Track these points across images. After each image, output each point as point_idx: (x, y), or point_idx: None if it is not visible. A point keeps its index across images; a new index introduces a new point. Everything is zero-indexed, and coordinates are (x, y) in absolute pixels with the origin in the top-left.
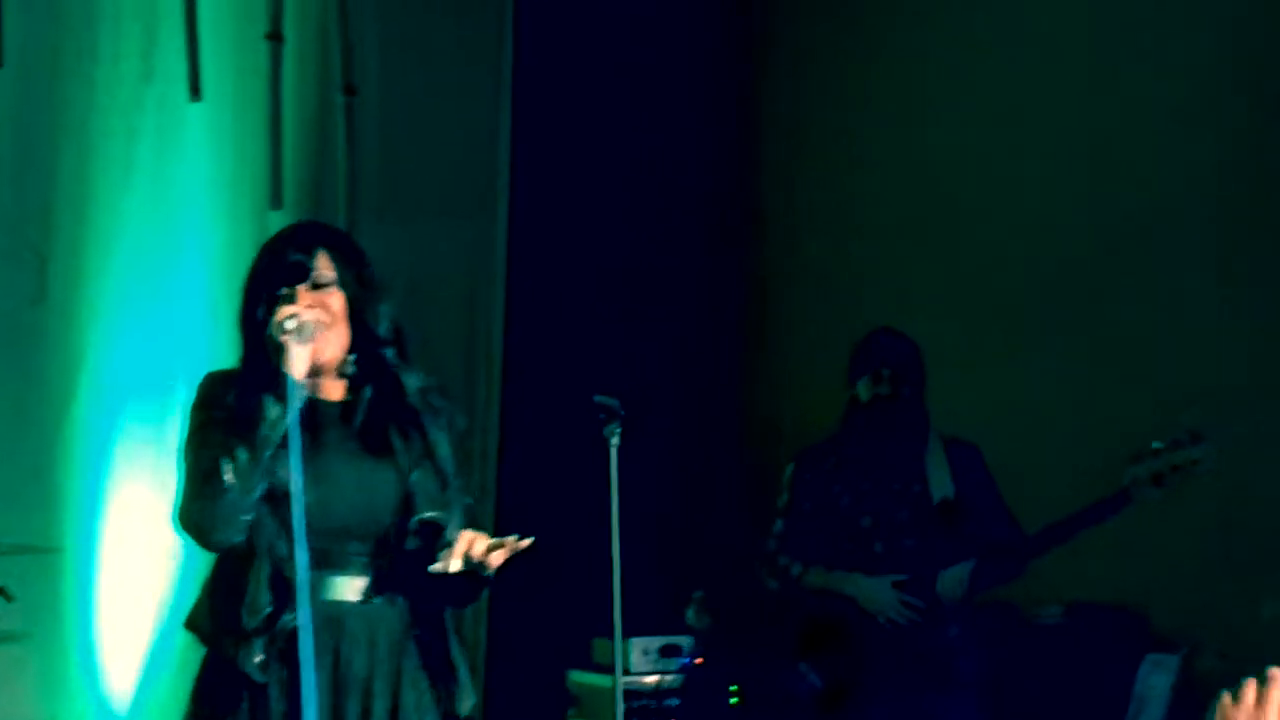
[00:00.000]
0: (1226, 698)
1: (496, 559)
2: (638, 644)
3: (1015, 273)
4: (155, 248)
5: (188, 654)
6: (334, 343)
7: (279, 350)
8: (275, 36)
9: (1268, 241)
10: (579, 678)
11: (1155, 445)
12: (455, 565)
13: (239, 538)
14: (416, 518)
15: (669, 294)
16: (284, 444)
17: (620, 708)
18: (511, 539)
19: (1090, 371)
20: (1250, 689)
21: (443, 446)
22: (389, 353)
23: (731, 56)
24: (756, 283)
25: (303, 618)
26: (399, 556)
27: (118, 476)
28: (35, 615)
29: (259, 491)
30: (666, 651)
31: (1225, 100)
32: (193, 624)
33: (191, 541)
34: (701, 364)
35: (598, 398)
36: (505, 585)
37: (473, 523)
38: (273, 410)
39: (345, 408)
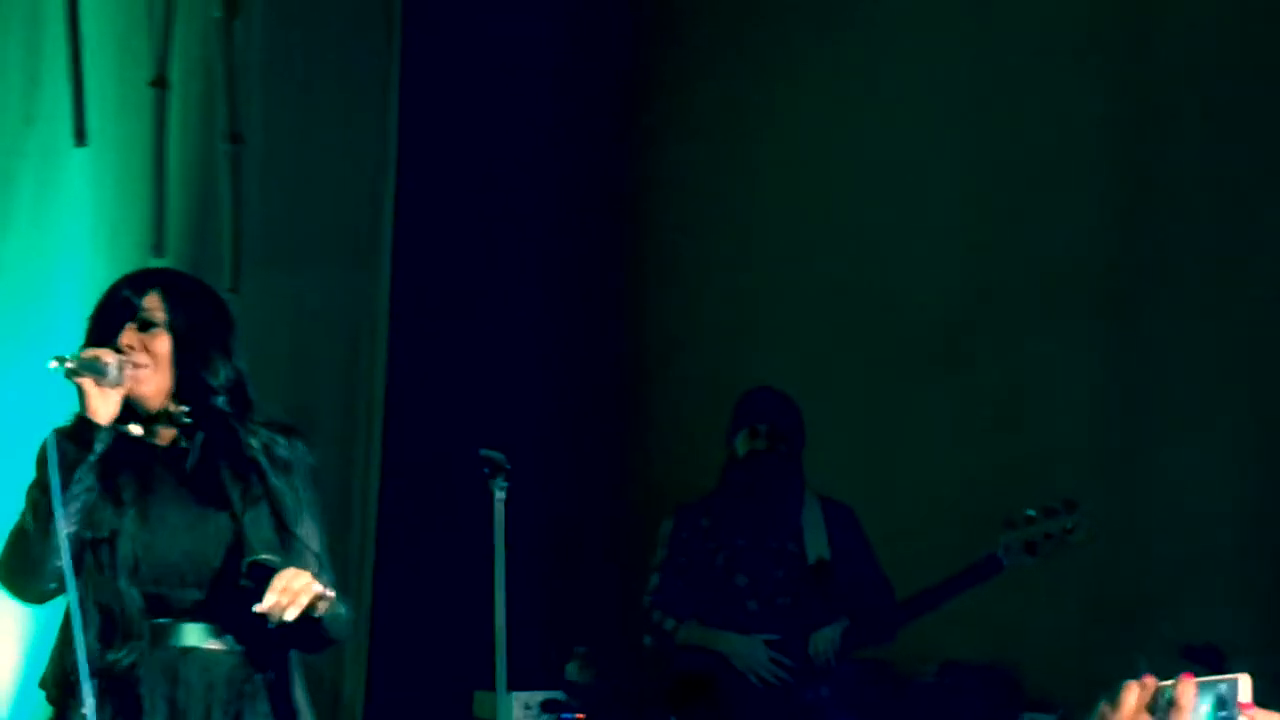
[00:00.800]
0: (1105, 706)
1: (292, 608)
2: (519, 698)
3: (889, 333)
4: (34, 292)
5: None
6: (153, 384)
7: (78, 391)
8: (160, 83)
9: (1142, 305)
10: None
11: (1029, 512)
12: (269, 603)
13: (51, 585)
14: (248, 559)
15: (551, 346)
16: (111, 490)
17: None
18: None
19: (961, 430)
20: (1129, 692)
21: (286, 496)
22: (219, 400)
23: (619, 109)
24: (639, 338)
25: (83, 673)
26: (234, 600)
27: None
28: None
29: (60, 536)
30: (548, 706)
31: (1099, 162)
32: (43, 684)
33: (11, 596)
34: (584, 418)
35: (483, 451)
36: (385, 636)
37: (320, 571)
38: (68, 452)
39: (176, 453)
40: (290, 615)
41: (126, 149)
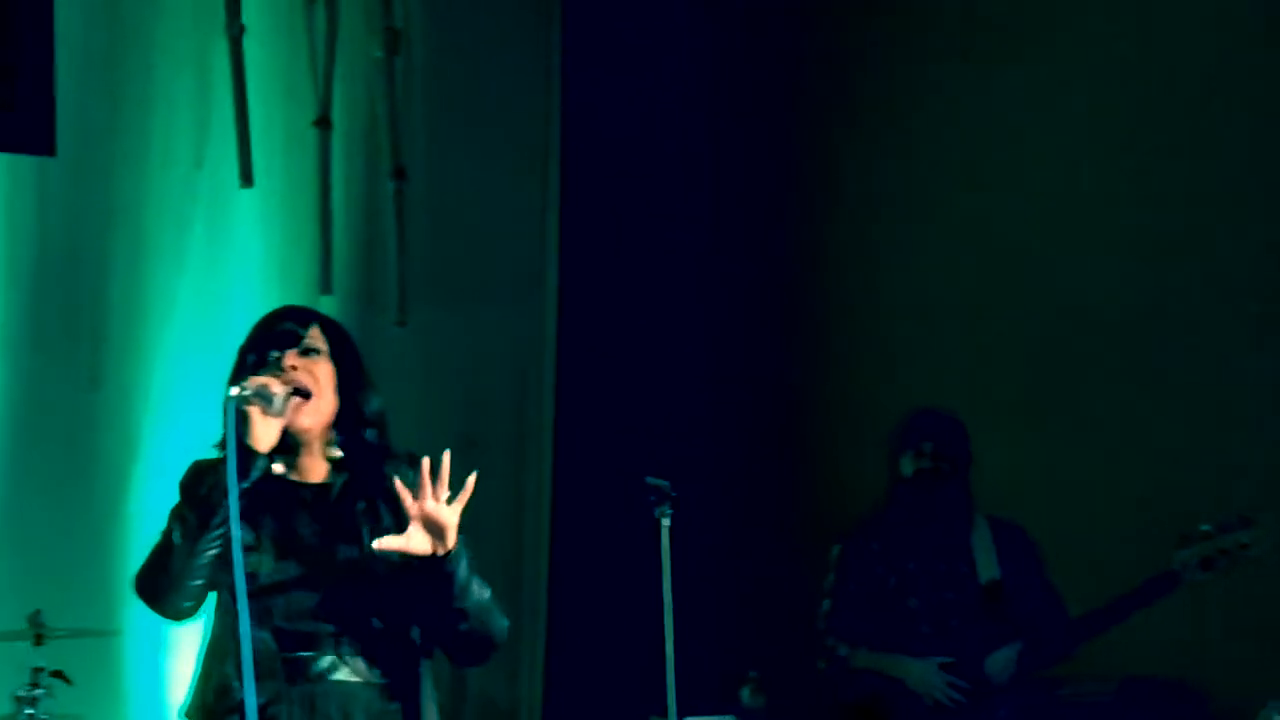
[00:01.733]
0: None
1: (450, 515)
2: None
3: (1059, 345)
4: (207, 332)
5: None
6: (318, 413)
7: (243, 419)
8: (324, 123)
9: None
10: None
11: (1204, 528)
12: (398, 540)
13: (187, 603)
14: (369, 541)
15: (717, 374)
16: (250, 526)
17: None
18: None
19: (1136, 445)
20: None
21: None
22: (371, 434)
23: (795, 136)
24: (805, 365)
25: (248, 685)
26: (368, 632)
27: None
28: (95, 700)
29: (205, 559)
30: None
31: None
32: (188, 713)
33: (150, 609)
34: (753, 442)
35: (649, 479)
36: (560, 662)
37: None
38: (226, 478)
39: (320, 491)
40: (417, 546)
41: (292, 189)
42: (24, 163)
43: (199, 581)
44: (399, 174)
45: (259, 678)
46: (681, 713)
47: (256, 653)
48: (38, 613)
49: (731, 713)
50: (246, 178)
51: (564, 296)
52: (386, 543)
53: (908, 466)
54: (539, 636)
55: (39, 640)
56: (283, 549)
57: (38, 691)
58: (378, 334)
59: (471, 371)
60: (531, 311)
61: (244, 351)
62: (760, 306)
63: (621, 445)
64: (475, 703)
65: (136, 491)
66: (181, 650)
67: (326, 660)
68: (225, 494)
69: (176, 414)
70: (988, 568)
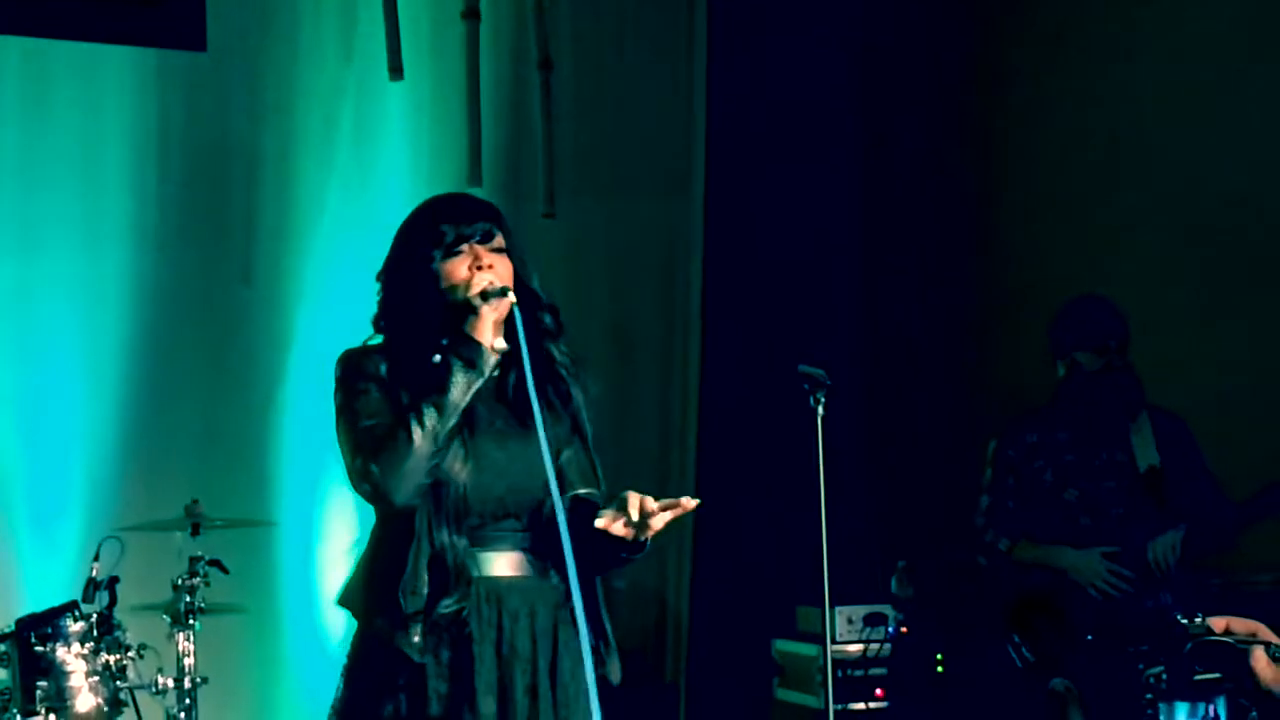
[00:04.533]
0: None
1: (660, 522)
2: (842, 613)
3: (1223, 240)
4: (357, 226)
5: None
6: (504, 309)
7: (474, 314)
8: (472, 14)
9: None
10: (784, 646)
11: None
12: (618, 526)
13: (416, 501)
14: (570, 494)
15: (868, 267)
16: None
17: (830, 675)
18: (685, 499)
19: None
20: None
21: (586, 423)
22: (547, 318)
23: (958, 30)
24: (961, 252)
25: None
26: (548, 527)
27: (326, 451)
28: (252, 589)
29: (438, 458)
30: (871, 620)
31: None
32: (346, 602)
33: (372, 503)
34: (906, 335)
35: (803, 367)
36: (709, 552)
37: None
38: (462, 376)
39: (493, 384)
40: (618, 528)
41: (440, 82)
42: (174, 58)
43: (429, 481)
44: (546, 65)
45: (450, 574)
46: (831, 602)
47: (447, 548)
48: (195, 503)
49: (882, 602)
50: (396, 70)
51: (711, 188)
52: (604, 524)
53: (1091, 363)
54: (686, 525)
55: (196, 530)
56: (473, 447)
57: (195, 580)
58: (525, 225)
59: (619, 263)
60: (679, 204)
61: (429, 237)
62: (917, 194)
63: (770, 337)
64: (625, 584)
65: (289, 385)
66: (334, 540)
67: (513, 556)
68: (463, 393)
69: (326, 308)
70: (1147, 455)
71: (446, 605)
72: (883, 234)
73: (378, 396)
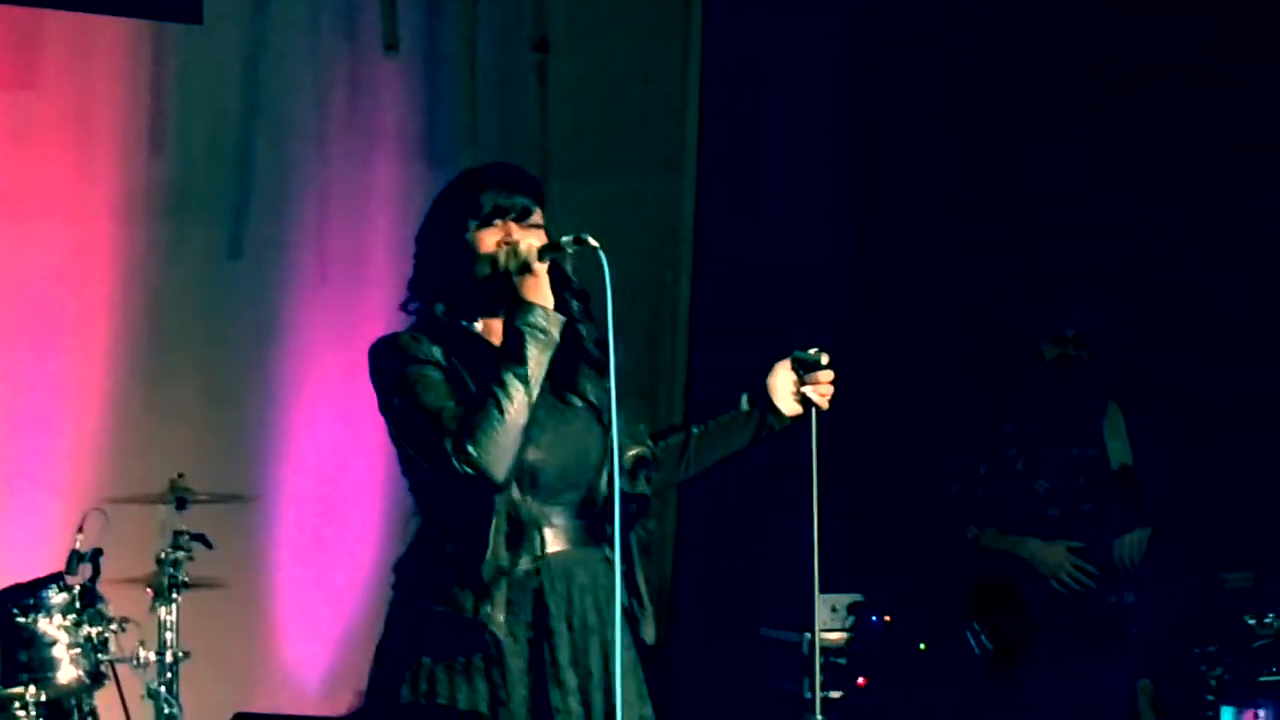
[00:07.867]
0: None
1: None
2: (826, 600)
3: None
4: (348, 200)
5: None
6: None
7: (523, 280)
8: None
9: None
10: (770, 634)
11: None
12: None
13: (513, 478)
14: (626, 456)
15: (858, 251)
16: None
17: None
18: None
19: None
20: None
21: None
22: (575, 304)
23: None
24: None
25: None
26: (598, 498)
27: (313, 427)
28: (236, 563)
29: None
30: (854, 609)
31: None
32: (407, 574)
33: (470, 485)
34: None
35: (797, 353)
36: (693, 546)
37: None
38: (535, 346)
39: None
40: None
41: (435, 58)
42: (170, 30)
43: (524, 437)
44: (541, 45)
45: (519, 547)
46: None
47: (519, 520)
48: (180, 476)
49: (859, 591)
50: (391, 45)
51: (703, 173)
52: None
53: (1049, 352)
54: (669, 507)
55: (181, 504)
56: (533, 418)
57: (178, 554)
58: None
59: (609, 244)
60: (670, 187)
61: (472, 194)
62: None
63: (760, 321)
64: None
65: (277, 359)
66: (317, 516)
67: (575, 524)
68: (523, 354)
69: (313, 284)
70: (1120, 453)
71: (523, 566)
72: (877, 218)
73: (439, 378)
